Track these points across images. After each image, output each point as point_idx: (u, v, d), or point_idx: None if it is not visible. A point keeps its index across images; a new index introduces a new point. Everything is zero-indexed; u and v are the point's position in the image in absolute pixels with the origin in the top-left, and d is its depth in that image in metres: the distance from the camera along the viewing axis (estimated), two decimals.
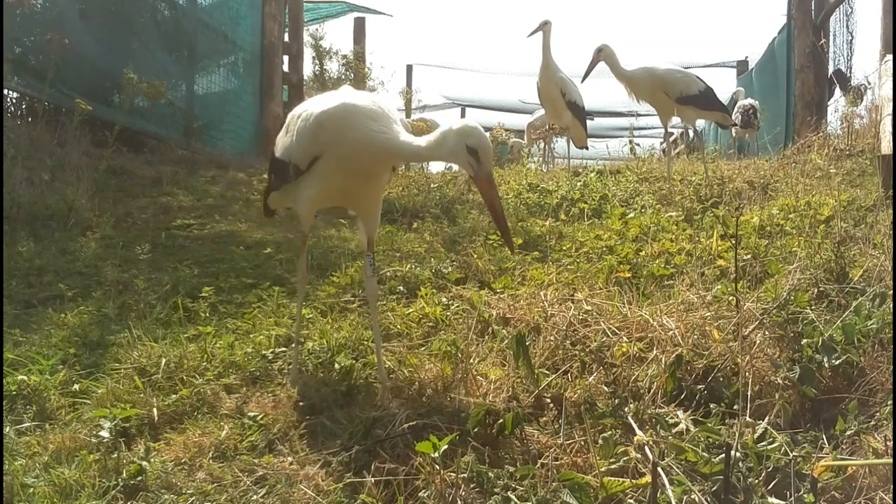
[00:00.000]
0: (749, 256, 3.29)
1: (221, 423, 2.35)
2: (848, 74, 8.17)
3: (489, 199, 2.21)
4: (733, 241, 2.50)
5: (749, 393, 2.14)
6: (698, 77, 5.58)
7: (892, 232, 3.39)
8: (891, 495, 1.77)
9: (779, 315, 2.53)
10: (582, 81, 6.38)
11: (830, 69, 8.20)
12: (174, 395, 2.48)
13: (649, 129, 14.29)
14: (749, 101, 9.85)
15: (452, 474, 1.86)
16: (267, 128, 8.19)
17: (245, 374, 2.64)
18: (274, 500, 1.96)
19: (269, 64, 8.31)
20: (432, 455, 1.86)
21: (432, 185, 5.80)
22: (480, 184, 2.18)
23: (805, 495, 1.79)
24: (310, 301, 3.32)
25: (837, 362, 2.29)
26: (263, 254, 4.05)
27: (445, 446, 1.87)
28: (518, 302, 2.98)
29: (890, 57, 4.82)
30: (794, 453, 1.89)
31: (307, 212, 2.51)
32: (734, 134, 9.90)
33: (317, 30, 11.51)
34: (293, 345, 2.70)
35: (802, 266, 2.90)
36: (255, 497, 1.97)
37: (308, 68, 9.96)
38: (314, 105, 2.36)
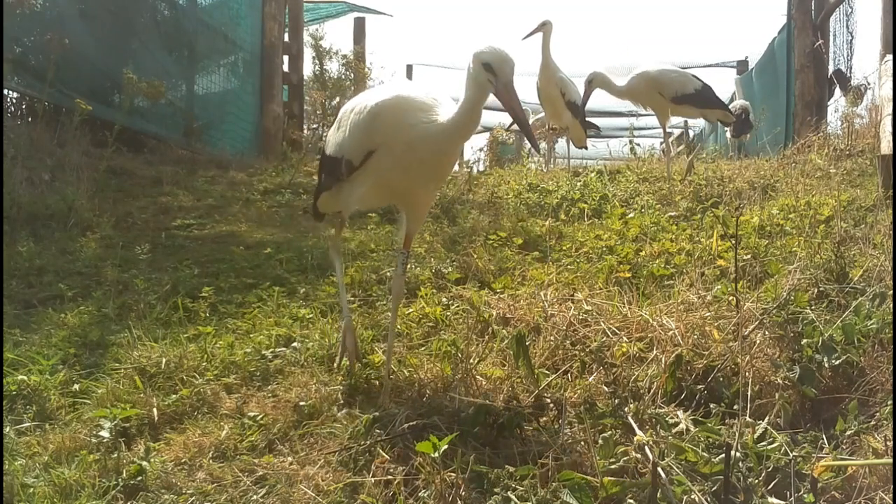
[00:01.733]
0: (749, 256, 3.28)
1: (221, 423, 2.35)
2: (848, 74, 8.15)
3: (510, 107, 2.18)
4: (733, 241, 2.50)
5: (749, 393, 2.14)
6: (695, 76, 5.58)
7: (892, 232, 3.39)
8: (891, 495, 1.77)
9: (779, 315, 2.52)
10: (582, 118, 6.37)
11: (830, 69, 8.18)
12: (174, 395, 2.48)
13: (649, 129, 14.27)
14: (739, 102, 9.57)
15: (452, 474, 1.86)
16: (267, 128, 8.19)
17: (245, 374, 2.64)
18: (274, 500, 1.96)
19: (269, 64, 8.31)
20: (432, 455, 1.86)
21: None
22: (500, 95, 2.15)
23: (805, 495, 1.78)
24: (310, 301, 3.32)
25: (837, 362, 2.28)
26: (263, 254, 4.05)
27: (445, 446, 1.87)
28: (518, 302, 2.98)
29: (890, 57, 4.82)
30: (794, 453, 1.89)
31: (353, 210, 2.50)
32: (728, 140, 9.72)
33: (317, 30, 11.48)
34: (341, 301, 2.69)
35: (802, 266, 2.90)
36: (255, 497, 1.98)
37: (308, 68, 9.94)
38: (368, 98, 2.32)
